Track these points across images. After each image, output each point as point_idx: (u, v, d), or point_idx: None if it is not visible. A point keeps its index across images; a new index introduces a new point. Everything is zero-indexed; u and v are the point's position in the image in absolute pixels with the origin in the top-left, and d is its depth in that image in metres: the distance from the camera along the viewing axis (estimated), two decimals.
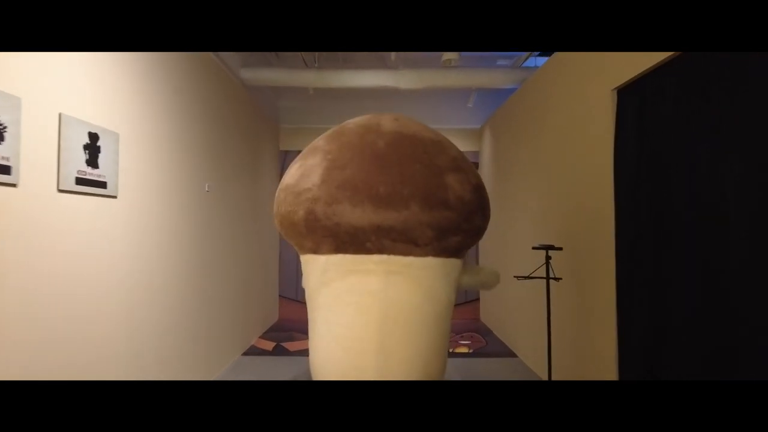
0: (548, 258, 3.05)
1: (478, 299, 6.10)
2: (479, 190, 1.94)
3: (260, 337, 4.99)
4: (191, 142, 3.27)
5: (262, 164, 5.31)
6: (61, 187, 1.94)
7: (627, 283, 2.48)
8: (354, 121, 2.05)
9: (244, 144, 4.62)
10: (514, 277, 3.18)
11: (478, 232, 1.97)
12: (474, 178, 1.95)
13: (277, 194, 2.03)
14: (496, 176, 5.37)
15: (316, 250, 1.87)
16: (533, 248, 3.12)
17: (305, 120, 6.01)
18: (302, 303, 6.27)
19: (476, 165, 6.15)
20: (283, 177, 2.06)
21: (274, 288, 5.89)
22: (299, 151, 6.17)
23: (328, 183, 1.77)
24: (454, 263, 1.90)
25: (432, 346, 1.78)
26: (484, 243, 5.87)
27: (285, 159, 6.09)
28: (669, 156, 2.14)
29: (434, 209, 1.74)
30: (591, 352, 2.83)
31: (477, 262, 6.09)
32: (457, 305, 6.37)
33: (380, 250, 1.76)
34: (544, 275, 3.04)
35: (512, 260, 4.59)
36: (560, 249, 3.03)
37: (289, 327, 5.55)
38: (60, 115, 1.94)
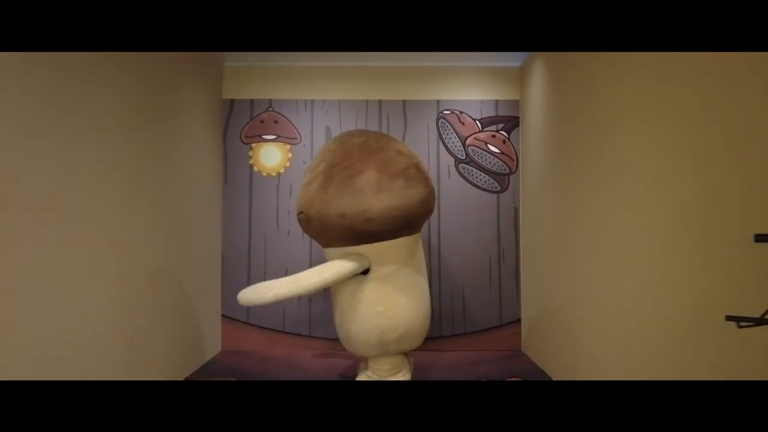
0: None
1: (516, 321, 4.13)
2: (419, 180, 2.79)
3: None
4: None
5: (191, 117, 3.37)
6: None
7: None
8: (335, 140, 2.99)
9: (129, 78, 2.68)
10: (729, 318, 1.21)
11: (426, 214, 2.85)
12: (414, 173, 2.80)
13: (298, 211, 2.87)
14: (563, 134, 3.40)
15: (328, 245, 2.86)
16: (758, 239, 1.18)
17: (261, 54, 4.06)
18: (259, 327, 4.21)
19: (515, 121, 4.18)
20: (297, 198, 2.89)
21: (212, 307, 3.94)
22: (252, 101, 4.27)
23: (325, 204, 2.65)
24: (415, 237, 2.87)
25: (416, 288, 2.82)
26: (534, 244, 3.89)
27: (231, 112, 4.13)
28: None
29: (393, 212, 2.60)
30: None
31: (518, 270, 4.12)
32: (487, 330, 4.43)
33: (369, 240, 2.69)
34: None
35: (615, 265, 2.63)
36: None
37: (232, 366, 3.60)
38: None
